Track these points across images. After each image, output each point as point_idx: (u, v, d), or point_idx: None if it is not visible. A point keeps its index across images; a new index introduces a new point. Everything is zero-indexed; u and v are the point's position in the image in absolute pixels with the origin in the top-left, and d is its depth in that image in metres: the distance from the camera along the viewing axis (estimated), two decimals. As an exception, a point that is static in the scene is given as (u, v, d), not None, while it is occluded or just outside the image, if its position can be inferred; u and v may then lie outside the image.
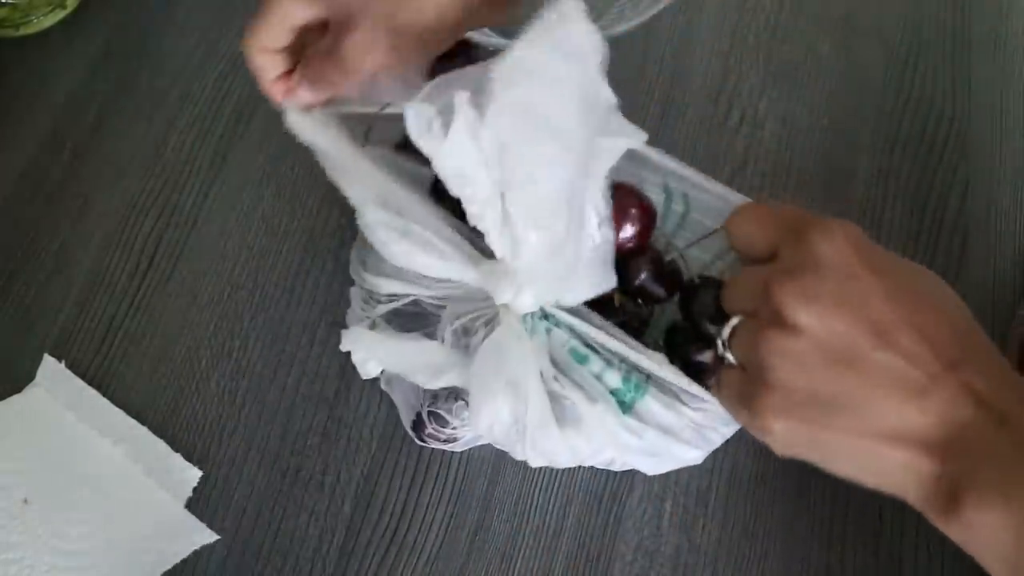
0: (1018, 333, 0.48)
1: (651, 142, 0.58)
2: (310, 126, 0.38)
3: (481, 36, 0.55)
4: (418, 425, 0.46)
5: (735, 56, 0.61)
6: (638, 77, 0.60)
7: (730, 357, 0.32)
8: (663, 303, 0.42)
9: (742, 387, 0.31)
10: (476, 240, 0.37)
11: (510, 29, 0.58)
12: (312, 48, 0.38)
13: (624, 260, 0.41)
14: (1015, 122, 0.59)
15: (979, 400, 0.27)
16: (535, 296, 0.36)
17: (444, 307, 0.41)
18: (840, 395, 0.28)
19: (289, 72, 0.39)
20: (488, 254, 0.37)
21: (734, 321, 0.32)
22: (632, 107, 0.59)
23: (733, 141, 0.58)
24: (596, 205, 0.35)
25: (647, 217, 0.41)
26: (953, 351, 0.28)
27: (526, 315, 0.38)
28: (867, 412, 0.28)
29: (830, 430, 0.29)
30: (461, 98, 0.30)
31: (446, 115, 0.31)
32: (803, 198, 0.56)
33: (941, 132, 0.59)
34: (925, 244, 0.55)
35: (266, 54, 0.38)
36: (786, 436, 0.29)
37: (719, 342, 0.32)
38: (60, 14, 0.62)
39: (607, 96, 0.34)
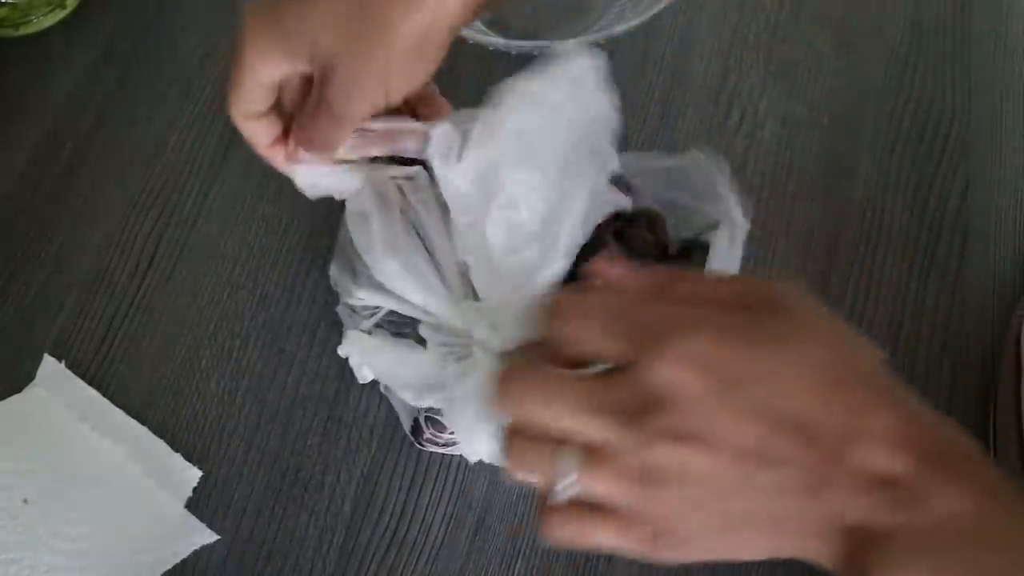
0: (1014, 334, 0.48)
1: (651, 142, 0.58)
2: (317, 185, 0.39)
3: (478, 35, 0.55)
4: (416, 430, 0.46)
5: (735, 56, 0.61)
6: (638, 77, 0.60)
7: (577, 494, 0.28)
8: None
9: (627, 529, 0.28)
10: (463, 279, 0.37)
11: (505, 24, 0.58)
12: (302, 107, 0.36)
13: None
14: (1015, 122, 0.59)
15: (872, 482, 0.26)
16: (507, 336, 0.35)
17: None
18: (736, 519, 0.27)
19: (285, 135, 0.37)
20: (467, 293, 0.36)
21: (575, 473, 0.27)
22: (632, 107, 0.59)
23: (733, 141, 0.58)
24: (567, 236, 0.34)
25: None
26: (840, 426, 0.26)
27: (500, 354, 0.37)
28: (765, 526, 0.27)
29: (732, 543, 0.28)
30: (479, 130, 0.31)
31: (465, 142, 0.31)
32: (803, 198, 0.56)
33: (941, 132, 0.59)
34: (925, 244, 0.55)
35: (252, 120, 0.36)
36: (686, 559, 0.28)
37: (561, 487, 0.27)
38: (60, 14, 0.62)
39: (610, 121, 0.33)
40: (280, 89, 0.36)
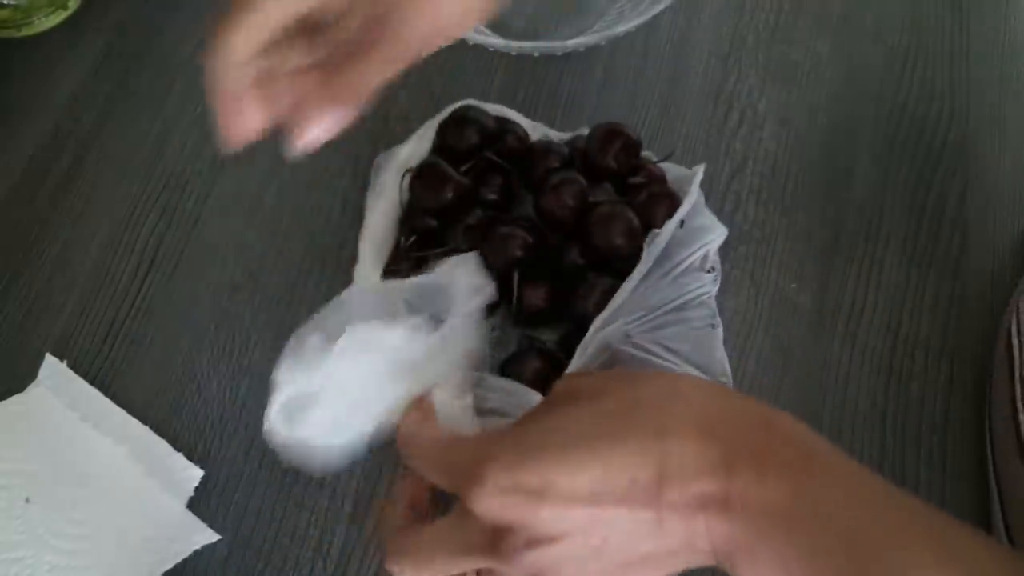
0: (1007, 324, 0.48)
1: (651, 142, 0.58)
2: None
3: (478, 35, 0.55)
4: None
5: (735, 56, 0.61)
6: (638, 77, 0.60)
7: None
8: None
9: None
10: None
11: (505, 25, 0.58)
12: (326, 50, 0.33)
13: None
14: (1015, 122, 0.59)
15: (695, 505, 0.29)
16: None
17: None
18: (619, 569, 0.31)
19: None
20: None
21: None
22: (632, 107, 0.59)
23: (733, 141, 0.58)
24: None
25: None
26: (646, 472, 0.29)
27: None
28: (646, 563, 0.31)
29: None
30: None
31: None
32: (803, 198, 0.56)
33: (941, 132, 0.59)
34: (925, 244, 0.55)
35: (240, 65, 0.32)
36: None
37: None
38: (61, 15, 0.62)
39: None
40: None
